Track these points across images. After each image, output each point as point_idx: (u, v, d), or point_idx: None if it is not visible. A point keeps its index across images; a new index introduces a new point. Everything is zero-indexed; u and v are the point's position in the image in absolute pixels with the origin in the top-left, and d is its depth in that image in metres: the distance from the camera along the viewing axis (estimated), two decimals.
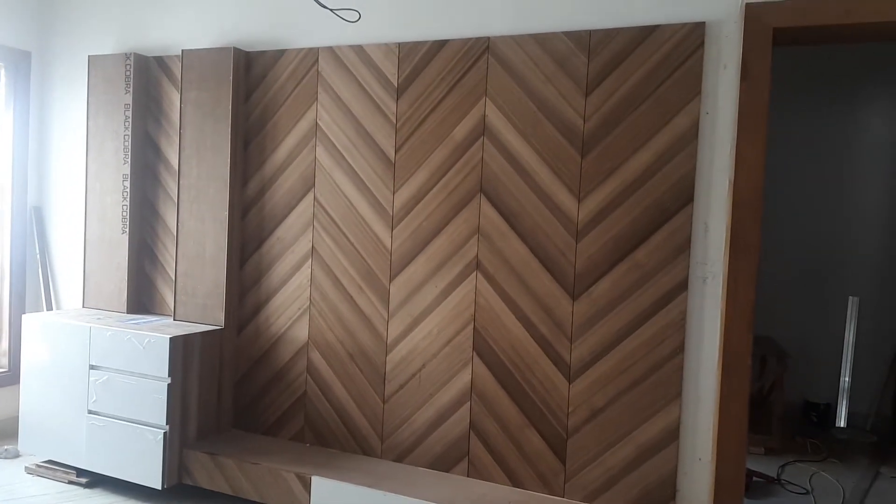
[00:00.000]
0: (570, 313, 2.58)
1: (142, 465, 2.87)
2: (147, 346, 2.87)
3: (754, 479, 3.49)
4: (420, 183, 2.81)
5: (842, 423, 4.64)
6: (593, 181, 2.54)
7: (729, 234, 2.36)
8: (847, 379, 4.66)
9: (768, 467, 3.72)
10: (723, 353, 2.37)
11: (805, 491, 3.47)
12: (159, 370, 2.85)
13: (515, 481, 2.68)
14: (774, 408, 4.12)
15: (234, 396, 3.20)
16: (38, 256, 3.70)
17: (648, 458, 2.48)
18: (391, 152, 2.87)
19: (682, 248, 2.42)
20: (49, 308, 3.69)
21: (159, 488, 2.84)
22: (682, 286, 2.42)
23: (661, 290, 2.45)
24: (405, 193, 2.85)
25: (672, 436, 2.44)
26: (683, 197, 2.42)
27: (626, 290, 2.50)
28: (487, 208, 2.70)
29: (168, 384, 2.85)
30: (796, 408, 4.63)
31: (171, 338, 2.85)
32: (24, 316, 3.19)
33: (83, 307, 3.44)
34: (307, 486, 2.68)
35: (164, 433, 2.85)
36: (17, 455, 3.30)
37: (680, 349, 2.43)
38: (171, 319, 3.22)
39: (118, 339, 2.94)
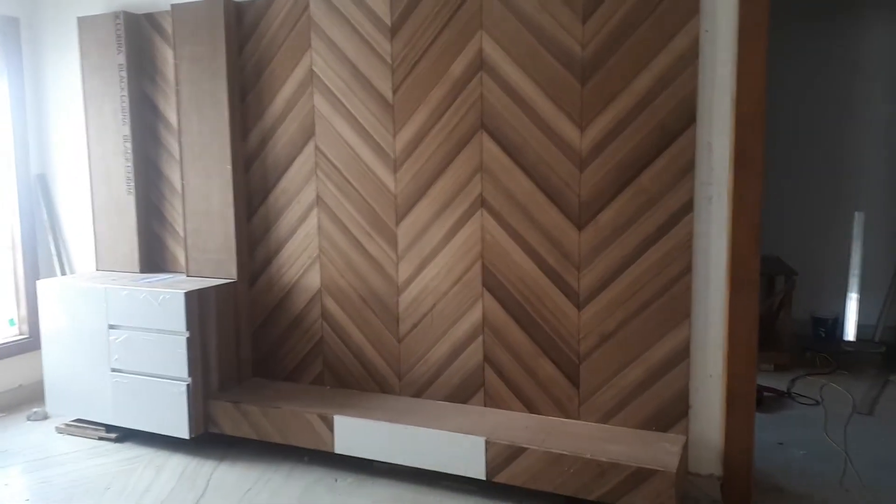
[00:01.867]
0: (577, 243, 2.61)
1: (168, 417, 2.96)
2: (163, 302, 2.93)
3: (765, 393, 3.57)
4: (420, 123, 2.81)
5: (850, 336, 4.71)
6: (595, 109, 2.52)
7: (733, 153, 2.36)
8: (854, 293, 4.71)
9: (779, 382, 3.80)
10: (730, 271, 2.40)
11: (815, 402, 3.56)
12: (177, 325, 2.91)
13: (531, 408, 2.76)
14: (783, 325, 4.18)
15: (253, 346, 3.27)
16: (48, 223, 3.73)
17: (660, 378, 2.54)
18: (389, 94, 2.85)
19: (687, 169, 2.42)
20: (63, 273, 3.74)
21: (187, 437, 2.94)
22: (688, 207, 2.44)
23: (667, 213, 2.46)
24: (406, 135, 2.84)
25: (683, 354, 2.50)
26: (686, 118, 2.41)
27: (631, 215, 2.51)
28: (489, 144, 2.70)
29: (187, 338, 2.91)
30: (805, 324, 4.70)
31: (185, 292, 2.90)
32: (38, 282, 3.25)
33: (97, 270, 3.49)
34: (330, 425, 2.76)
35: (187, 385, 2.93)
36: (45, 417, 3.40)
37: (688, 270, 2.46)
38: (184, 276, 3.27)
39: (134, 298, 3.00)
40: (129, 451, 3.06)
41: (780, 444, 3.03)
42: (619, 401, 2.61)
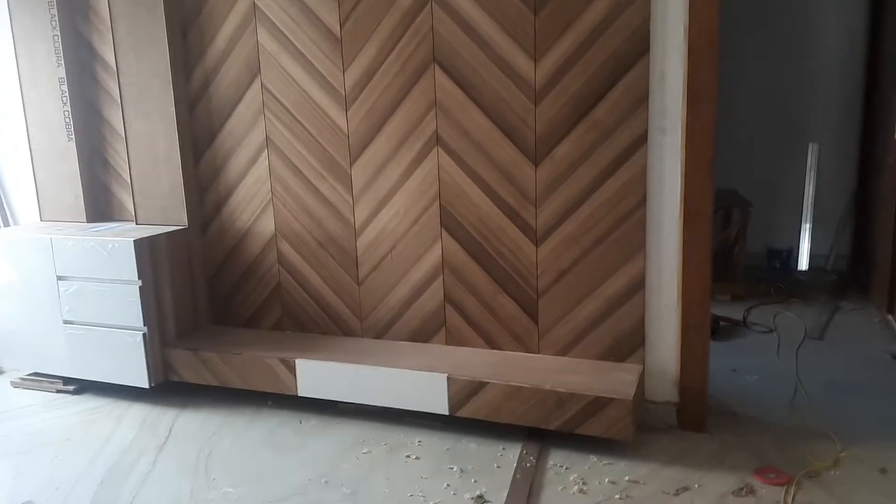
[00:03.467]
0: (533, 179, 2.58)
1: (126, 367, 2.92)
2: (112, 251, 2.84)
3: (721, 322, 3.66)
4: (370, 58, 2.71)
5: (804, 265, 4.83)
6: (549, 39, 2.46)
7: (686, 84, 2.33)
8: (808, 224, 4.80)
9: (734, 312, 3.89)
10: (684, 203, 2.41)
11: (769, 329, 3.66)
12: (128, 274, 2.84)
13: (493, 344, 2.78)
14: (738, 256, 4.26)
15: (210, 293, 3.22)
16: None
17: (616, 310, 2.57)
18: (336, 28, 2.74)
19: (640, 101, 2.40)
20: (7, 225, 3.60)
21: (147, 387, 2.91)
22: (642, 140, 2.42)
23: (621, 146, 2.44)
24: (356, 71, 2.75)
25: (638, 286, 2.52)
26: (640, 48, 2.36)
27: (586, 149, 2.49)
28: (443, 79, 2.63)
29: (139, 286, 2.84)
30: (761, 256, 4.79)
31: (135, 240, 2.82)
32: None
33: (42, 221, 3.36)
34: (292, 369, 2.75)
35: (143, 334, 2.88)
36: (5, 370, 3.33)
37: (642, 203, 2.46)
38: (133, 224, 3.17)
39: (82, 248, 2.90)
40: (89, 402, 3.02)
41: (734, 370, 3.12)
42: (577, 334, 2.65)
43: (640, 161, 2.43)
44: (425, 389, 2.57)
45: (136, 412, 2.90)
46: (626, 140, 2.43)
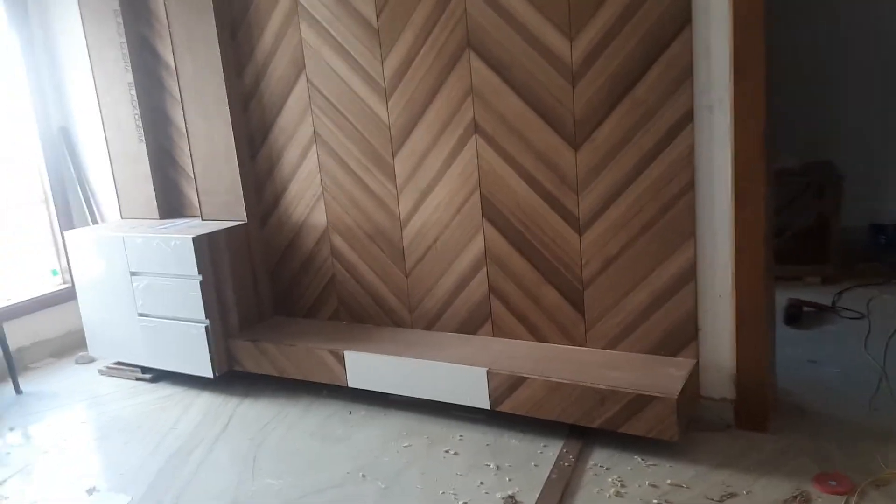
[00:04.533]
0: (573, 164, 2.46)
1: (192, 357, 3.07)
2: (174, 248, 2.99)
3: (804, 308, 3.37)
4: (407, 47, 2.67)
5: None
6: (583, 16, 2.32)
7: (732, 56, 2.13)
8: None
9: (824, 296, 3.58)
10: (735, 184, 2.21)
11: (860, 315, 3.34)
12: (189, 269, 2.97)
13: (538, 336, 2.70)
14: (831, 235, 3.90)
15: (272, 285, 3.32)
16: (74, 175, 3.85)
17: (667, 301, 2.42)
18: (373, 18, 2.71)
19: (684, 77, 2.21)
20: (95, 222, 3.87)
21: (212, 377, 3.05)
22: (688, 118, 2.24)
23: (666, 126, 2.28)
24: (394, 61, 2.71)
25: (689, 276, 2.36)
26: (680, 19, 2.18)
27: (628, 131, 2.34)
28: (478, 64, 2.54)
29: (200, 281, 2.97)
30: (862, 232, 4.37)
31: (193, 238, 2.94)
32: (65, 233, 3.37)
33: (122, 218, 3.59)
34: (342, 360, 2.80)
35: (206, 327, 3.01)
36: (91, 360, 3.60)
37: (690, 186, 2.29)
38: (199, 220, 3.32)
39: (149, 245, 3.07)
40: (163, 390, 3.21)
41: (814, 361, 2.87)
42: (626, 326, 2.52)
43: (686, 141, 2.26)
44: (466, 383, 2.53)
45: (203, 401, 3.06)
46: (669, 119, 2.26)
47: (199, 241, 2.96)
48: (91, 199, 3.89)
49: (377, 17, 2.70)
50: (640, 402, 2.22)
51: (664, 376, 2.31)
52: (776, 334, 2.76)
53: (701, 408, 2.44)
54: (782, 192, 4.03)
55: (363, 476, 2.33)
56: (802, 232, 3.98)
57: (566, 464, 2.27)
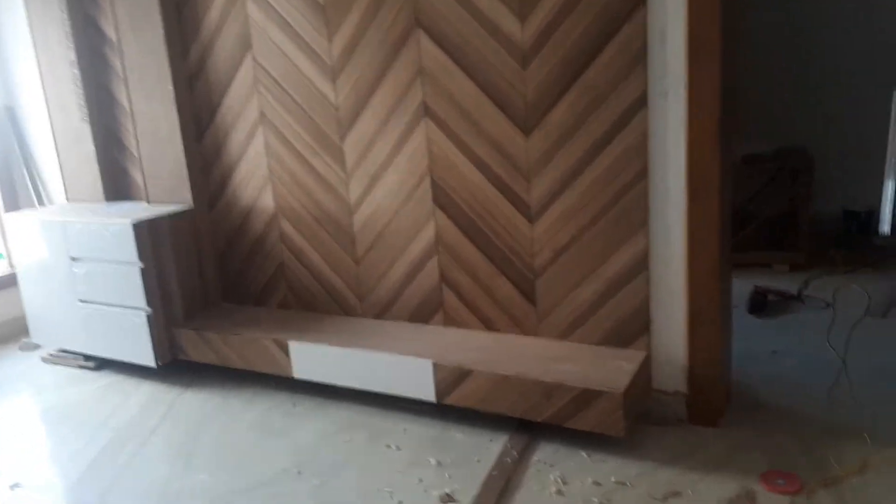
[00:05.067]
0: (524, 150, 2.36)
1: (134, 346, 2.96)
2: (114, 234, 2.86)
3: (769, 297, 3.31)
4: (354, 24, 2.55)
5: (885, 229, 4.30)
6: None
7: (688, 38, 2.03)
8: (891, 181, 4.26)
9: (792, 284, 3.51)
10: (688, 174, 2.12)
11: (826, 304, 3.28)
12: (130, 255, 2.85)
13: (491, 327, 2.61)
14: (800, 222, 3.83)
15: (220, 271, 3.21)
16: (20, 155, 3.70)
17: (618, 291, 2.33)
18: None
19: (637, 60, 2.11)
20: (42, 204, 3.73)
21: (154, 366, 2.94)
22: (641, 104, 2.14)
23: (618, 112, 2.18)
24: (341, 40, 2.59)
25: (641, 267, 2.27)
26: None
27: (580, 116, 2.24)
28: (428, 44, 2.43)
29: (141, 268, 2.85)
30: (836, 219, 4.31)
31: (133, 223, 2.82)
32: (3, 216, 3.23)
33: (67, 201, 3.45)
34: (286, 350, 2.70)
35: (148, 315, 2.90)
36: (35, 347, 3.47)
37: (643, 175, 2.19)
38: (145, 203, 3.19)
39: (88, 231, 2.95)
40: (105, 378, 3.10)
41: (775, 352, 2.81)
42: (578, 317, 2.43)
43: (639, 128, 2.16)
44: (412, 375, 2.44)
45: (145, 390, 2.95)
46: (622, 105, 2.16)
47: (139, 227, 2.84)
48: (38, 180, 3.74)
49: None
50: (586, 397, 2.14)
51: (613, 369, 2.23)
52: (738, 324, 2.71)
53: (653, 401, 2.37)
54: (754, 178, 3.98)
55: (299, 472, 2.24)
56: (773, 218, 3.92)
57: (509, 459, 2.19)
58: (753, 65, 3.96)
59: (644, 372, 2.30)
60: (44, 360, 3.34)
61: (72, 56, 3.16)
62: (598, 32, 2.14)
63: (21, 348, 3.51)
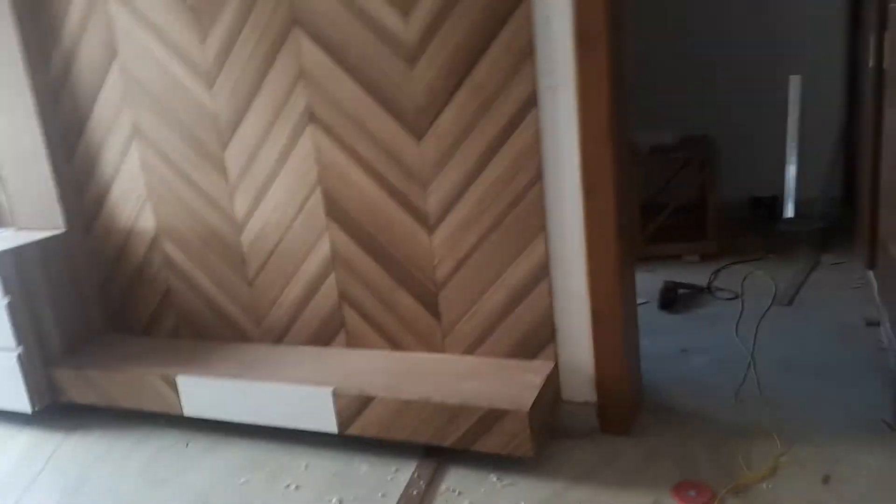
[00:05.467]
0: (418, 156, 2.21)
1: (7, 391, 2.66)
2: None
3: (679, 291, 3.28)
4: (227, 26, 2.34)
5: (789, 213, 4.39)
6: None
7: (575, 29, 1.92)
8: (793, 166, 4.34)
9: (702, 275, 3.51)
10: (582, 171, 2.02)
11: (735, 295, 3.28)
12: None
13: (395, 345, 2.46)
14: (708, 211, 3.84)
15: (102, 301, 2.94)
16: None
17: (522, 300, 2.22)
18: None
19: (525, 55, 2.00)
20: None
21: (29, 412, 2.66)
22: (532, 103, 2.03)
23: (509, 112, 2.06)
24: (214, 43, 2.38)
25: (542, 273, 2.17)
26: None
27: (471, 119, 2.11)
28: (308, 44, 2.25)
29: (7, 304, 2.57)
30: (743, 206, 4.36)
31: None
32: None
33: None
34: (173, 385, 2.47)
35: (19, 355, 2.61)
36: None
37: (538, 177, 2.08)
38: (13, 230, 2.88)
39: None
40: None
41: (684, 350, 2.77)
42: (483, 330, 2.31)
43: (531, 128, 2.05)
44: (311, 406, 2.27)
45: (23, 440, 2.66)
46: (512, 105, 2.05)
47: (1, 259, 2.55)
48: None
49: None
50: (491, 417, 2.02)
51: (520, 384, 2.12)
52: (650, 322, 2.66)
53: (564, 413, 2.27)
54: (659, 169, 3.97)
55: None
56: (682, 209, 3.92)
57: (415, 491, 2.05)
58: (651, 54, 3.95)
59: (552, 384, 2.20)
60: None
61: None
62: (483, 27, 2.02)
63: None
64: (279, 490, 2.15)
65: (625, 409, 2.21)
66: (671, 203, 3.88)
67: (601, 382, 2.20)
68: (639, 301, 3.16)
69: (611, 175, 1.99)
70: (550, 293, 2.18)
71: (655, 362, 2.62)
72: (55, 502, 2.24)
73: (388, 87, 2.19)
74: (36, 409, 2.66)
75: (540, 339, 2.24)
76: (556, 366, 2.23)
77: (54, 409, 2.73)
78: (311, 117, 2.32)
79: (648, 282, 3.36)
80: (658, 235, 3.82)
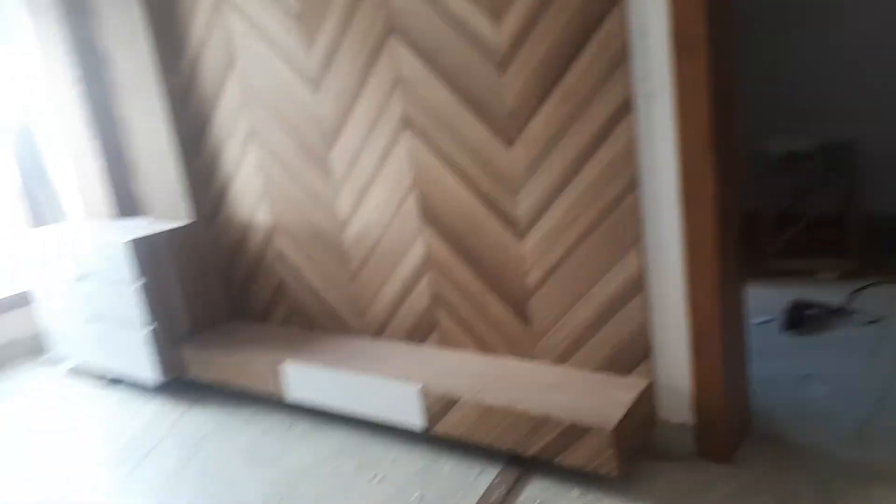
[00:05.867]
0: (508, 162, 2.18)
1: (139, 364, 2.96)
2: (114, 252, 2.85)
3: (807, 311, 3.00)
4: (331, 32, 2.42)
5: None
6: None
7: (672, 33, 1.81)
8: None
9: (837, 295, 3.18)
10: (680, 182, 1.90)
11: (875, 319, 2.94)
12: (129, 273, 2.84)
13: (486, 348, 2.45)
14: (850, 224, 3.47)
15: (225, 288, 3.16)
16: (39, 173, 3.77)
17: (615, 313, 2.13)
18: (294, 3, 2.47)
19: (618, 61, 1.90)
20: (62, 221, 3.79)
21: (157, 384, 2.93)
22: (626, 109, 1.93)
23: (601, 119, 1.97)
24: (320, 49, 2.47)
25: (637, 286, 2.07)
26: None
27: (562, 125, 2.05)
28: (403, 50, 2.28)
29: (139, 286, 2.84)
30: (892, 221, 3.89)
31: (129, 241, 2.79)
32: (20, 234, 3.29)
33: (84, 217, 3.49)
34: (280, 371, 2.62)
35: (149, 333, 2.88)
36: (58, 362, 3.53)
37: (633, 186, 1.99)
38: (150, 219, 3.18)
39: (91, 249, 2.95)
40: (119, 394, 3.11)
41: (806, 377, 2.53)
42: (575, 340, 2.25)
43: (625, 136, 1.95)
44: (400, 401, 2.32)
45: (150, 409, 2.94)
46: (605, 111, 1.96)
47: (136, 245, 2.81)
48: (57, 197, 3.80)
49: (297, 2, 2.46)
50: (574, 432, 1.96)
51: (608, 400, 2.04)
52: (771, 344, 2.50)
53: (659, 434, 2.16)
54: (796, 178, 3.63)
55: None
56: (818, 221, 3.57)
57: (495, 496, 2.04)
58: (791, 51, 3.61)
59: (646, 402, 2.09)
60: (63, 375, 3.39)
61: (73, 74, 3.17)
62: (575, 32, 1.94)
63: (46, 363, 3.58)
64: (364, 480, 2.23)
65: (725, 434, 2.06)
66: (807, 214, 3.55)
67: (700, 404, 2.07)
68: (760, 319, 2.99)
69: (712, 186, 1.86)
70: (646, 307, 2.08)
71: (770, 387, 2.42)
72: (169, 470, 2.46)
73: (480, 93, 2.17)
74: (163, 381, 2.93)
75: (635, 355, 2.14)
76: (651, 384, 2.12)
77: (179, 384, 2.99)
78: (407, 122, 2.36)
79: (775, 299, 3.11)
80: (790, 249, 3.51)
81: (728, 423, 2.07)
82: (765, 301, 3.13)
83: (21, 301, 3.68)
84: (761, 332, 2.90)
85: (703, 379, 2.05)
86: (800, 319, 2.94)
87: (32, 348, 3.72)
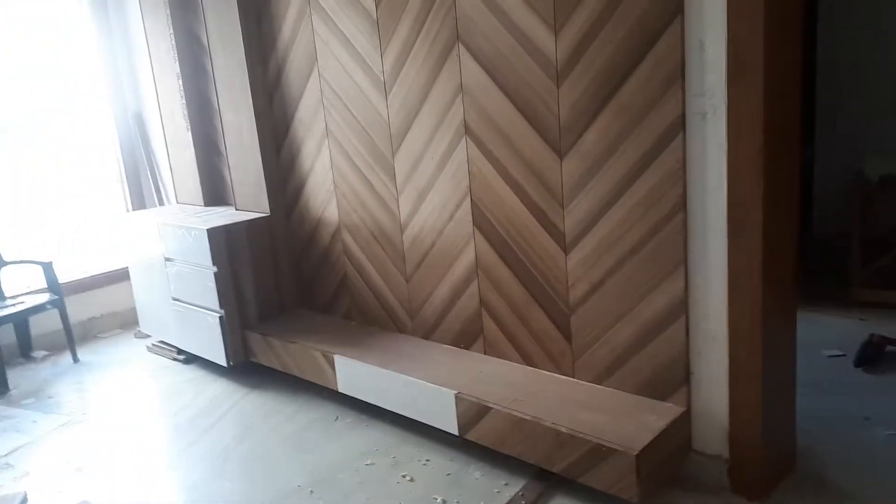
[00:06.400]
0: (559, 174, 2.18)
1: (210, 345, 3.16)
2: (195, 238, 3.06)
3: (888, 347, 2.79)
4: (403, 37, 2.49)
5: None
6: (569, 3, 2.02)
7: (729, 53, 1.74)
8: None
9: None
10: (729, 205, 1.84)
11: None
12: (206, 259, 3.03)
13: (528, 360, 2.45)
14: None
15: (296, 278, 3.32)
16: (145, 159, 4.09)
17: (656, 337, 2.08)
18: (373, 8, 2.56)
19: (673, 78, 1.86)
20: (161, 205, 4.09)
21: (225, 365, 3.12)
22: (678, 127, 1.88)
23: (653, 136, 1.93)
24: (392, 53, 2.55)
25: (679, 310, 2.01)
26: (670, 7, 1.82)
27: (614, 139, 2.02)
28: (467, 59, 2.32)
29: (214, 272, 3.03)
30: None
31: (208, 229, 2.99)
32: (114, 217, 3.59)
33: (177, 203, 3.76)
34: (332, 363, 2.73)
35: (220, 317, 3.07)
36: (146, 336, 3.82)
37: (681, 207, 1.93)
38: (234, 209, 3.38)
39: (176, 234, 3.18)
40: (189, 372, 3.34)
41: (867, 419, 2.37)
42: (614, 360, 2.21)
43: (676, 154, 1.90)
44: (437, 404, 2.37)
45: (215, 388, 3.13)
46: (658, 128, 1.92)
47: (214, 233, 3.01)
48: (160, 183, 4.11)
49: (376, 7, 2.55)
50: (598, 453, 1.94)
51: (639, 425, 2.00)
52: (837, 380, 2.43)
53: (693, 464, 2.09)
54: (891, 202, 3.39)
55: (311, 492, 2.26)
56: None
57: None
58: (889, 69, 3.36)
59: (679, 430, 2.04)
60: (148, 349, 3.67)
61: (177, 68, 3.42)
62: (631, 48, 1.91)
63: (136, 335, 3.89)
64: (395, 478, 2.29)
65: (762, 470, 1.97)
66: None
67: (736, 437, 1.99)
68: (832, 353, 2.81)
69: (762, 211, 1.78)
70: (687, 333, 2.02)
71: (826, 425, 2.29)
72: (224, 445, 2.62)
73: (536, 104, 2.17)
74: (230, 363, 3.11)
75: (673, 381, 2.08)
76: (687, 411, 2.06)
77: (245, 366, 3.17)
78: (466, 130, 2.39)
79: (854, 332, 2.92)
80: (878, 279, 3.27)
81: (766, 460, 1.97)
82: (841, 333, 2.95)
83: (122, 276, 4.01)
84: (831, 365, 2.74)
85: (741, 411, 1.97)
86: (874, 356, 2.75)
87: (128, 320, 4.04)
